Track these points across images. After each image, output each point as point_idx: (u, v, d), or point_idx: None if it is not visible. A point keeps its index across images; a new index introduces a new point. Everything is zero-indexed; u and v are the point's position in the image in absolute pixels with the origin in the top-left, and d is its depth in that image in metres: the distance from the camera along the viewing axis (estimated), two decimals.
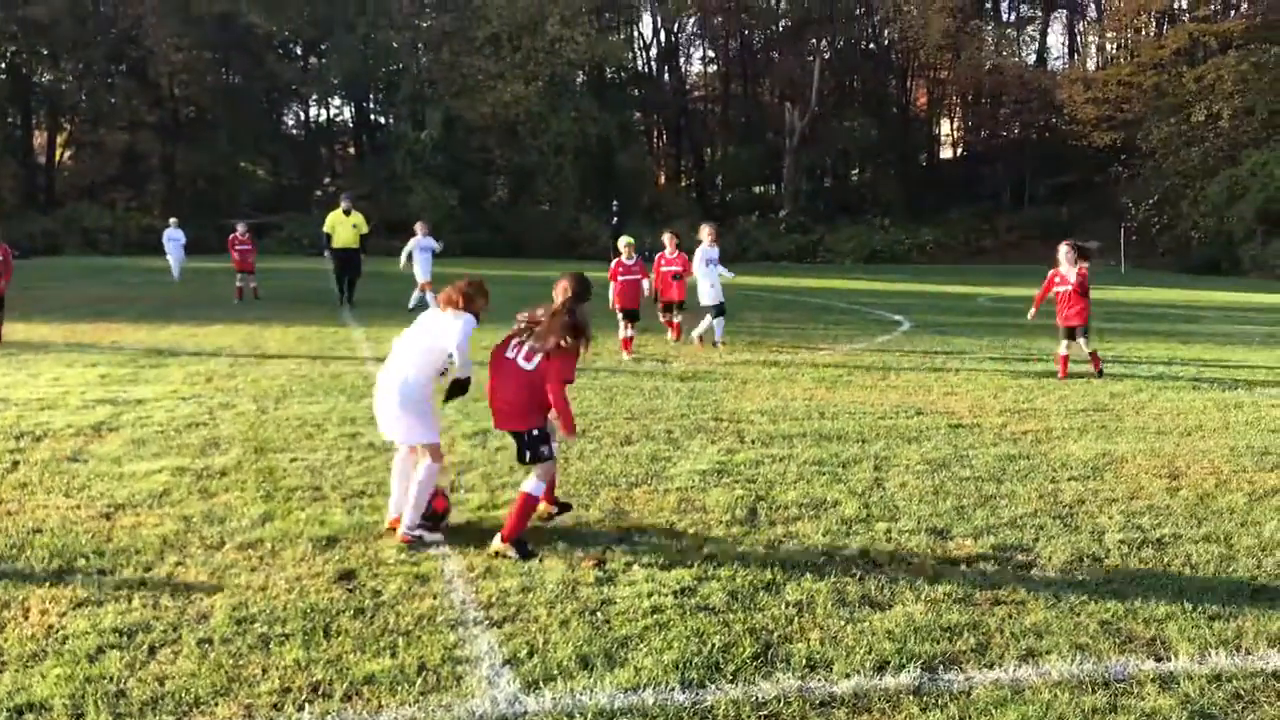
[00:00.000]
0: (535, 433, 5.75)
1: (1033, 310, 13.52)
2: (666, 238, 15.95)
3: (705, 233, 15.51)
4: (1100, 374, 12.59)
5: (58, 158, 58.48)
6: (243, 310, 19.43)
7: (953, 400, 10.81)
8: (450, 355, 6.10)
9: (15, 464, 7.35)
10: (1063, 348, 12.73)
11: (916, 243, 53.35)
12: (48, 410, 9.36)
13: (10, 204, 48.85)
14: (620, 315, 13.97)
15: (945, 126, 71.16)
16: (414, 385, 5.97)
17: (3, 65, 54.35)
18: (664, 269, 15.37)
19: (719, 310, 14.92)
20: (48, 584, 5.06)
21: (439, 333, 6.10)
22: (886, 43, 64.06)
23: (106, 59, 54.61)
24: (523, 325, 5.96)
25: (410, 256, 19.62)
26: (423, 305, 18.55)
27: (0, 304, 14.14)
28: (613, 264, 14.49)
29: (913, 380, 12.15)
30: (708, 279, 15.01)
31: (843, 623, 4.76)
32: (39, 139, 58.22)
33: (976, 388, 11.66)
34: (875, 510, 6.58)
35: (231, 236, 23.07)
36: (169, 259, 28.38)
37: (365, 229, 20.63)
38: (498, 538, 5.64)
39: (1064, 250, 13.00)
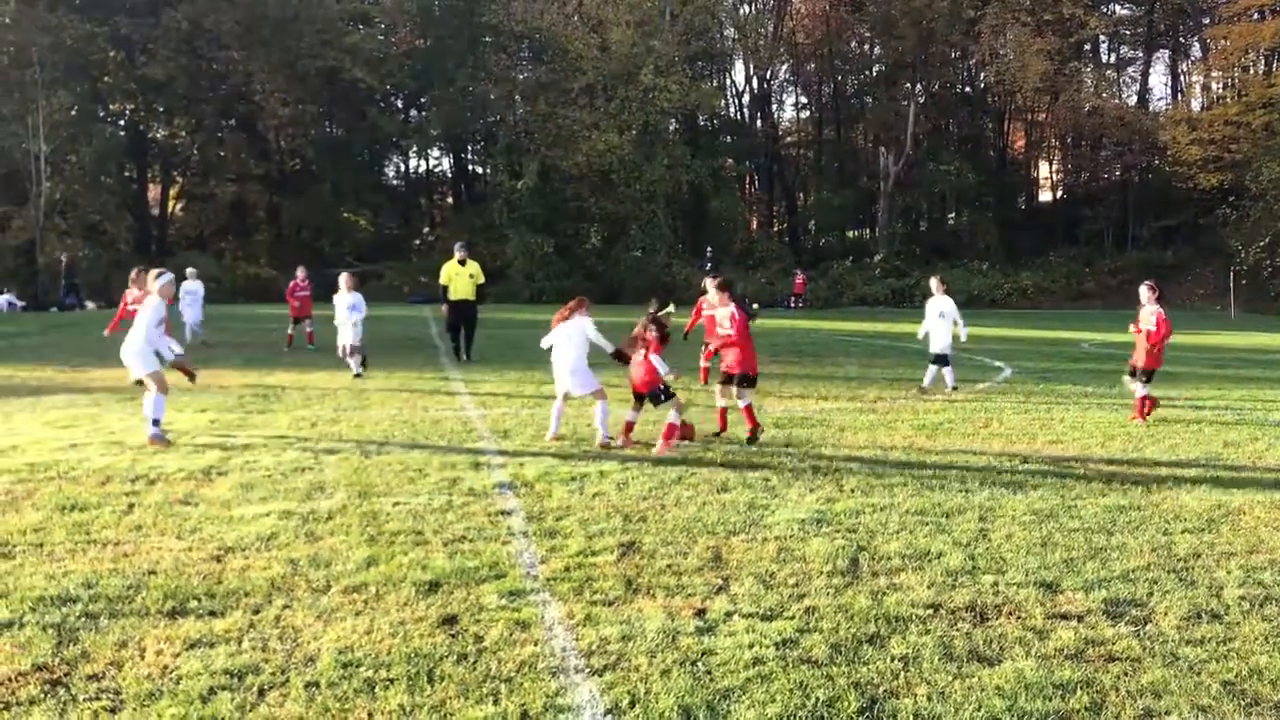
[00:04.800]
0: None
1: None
2: (708, 282, 15.01)
3: (934, 284, 15.69)
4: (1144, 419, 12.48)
5: (170, 209, 60.81)
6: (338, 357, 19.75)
7: (1058, 448, 10.55)
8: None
9: (130, 506, 7.59)
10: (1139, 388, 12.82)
11: (1016, 286, 52.39)
12: (160, 454, 9.66)
13: (125, 254, 50.89)
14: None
15: (1044, 169, 69.99)
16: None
17: (122, 123, 56.84)
18: (707, 312, 14.41)
19: (944, 360, 15.23)
20: (163, 624, 5.20)
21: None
22: (982, 86, 63.35)
23: (217, 114, 56.79)
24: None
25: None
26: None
27: None
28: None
29: (1016, 427, 11.89)
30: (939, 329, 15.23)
31: (950, 678, 4.65)
32: (153, 192, 60.63)
33: (1083, 435, 11.36)
34: (981, 562, 6.43)
35: (293, 284, 22.62)
36: (184, 316, 22.78)
37: (482, 279, 19.66)
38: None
39: (1143, 291, 13.19)
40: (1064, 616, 5.47)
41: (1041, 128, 65.55)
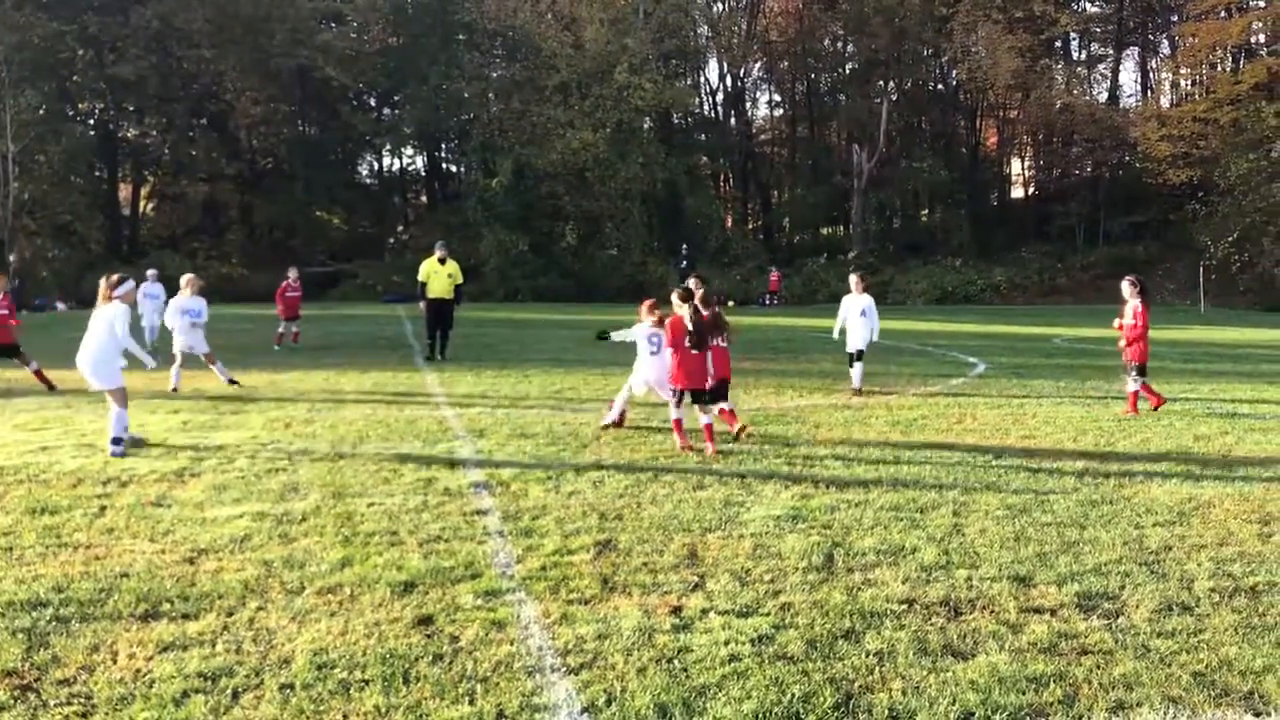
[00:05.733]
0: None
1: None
2: (692, 282, 15.38)
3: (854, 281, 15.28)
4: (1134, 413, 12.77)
5: (141, 209, 60.31)
6: (319, 357, 19.76)
7: (1031, 443, 10.62)
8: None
9: (102, 509, 7.53)
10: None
11: (989, 283, 52.75)
12: (132, 456, 9.58)
13: (96, 254, 50.45)
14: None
15: (1016, 166, 70.51)
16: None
17: (92, 122, 56.31)
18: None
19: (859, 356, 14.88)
20: (135, 628, 5.16)
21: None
22: (955, 83, 63.77)
23: (189, 113, 56.33)
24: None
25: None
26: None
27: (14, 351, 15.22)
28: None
29: (990, 423, 11.97)
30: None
31: (925, 672, 4.68)
32: (124, 191, 60.13)
33: (1055, 430, 11.45)
34: (955, 557, 6.47)
35: (284, 284, 22.73)
36: (143, 322, 21.15)
37: (460, 279, 19.67)
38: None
39: (1125, 286, 13.41)
40: (1037, 610, 5.51)
41: (1013, 125, 66.03)
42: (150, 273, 22.68)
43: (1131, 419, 12.32)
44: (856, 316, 14.81)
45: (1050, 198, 63.11)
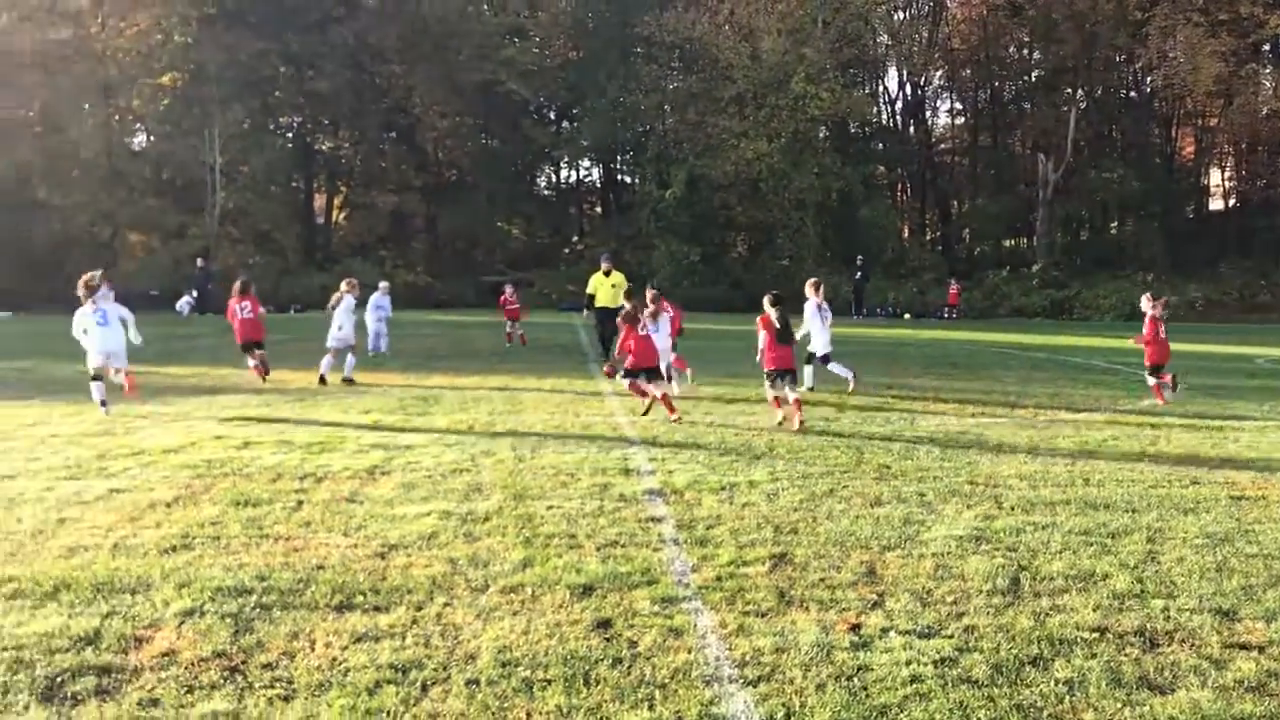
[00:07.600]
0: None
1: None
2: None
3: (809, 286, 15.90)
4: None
5: (334, 218, 63.22)
6: (498, 362, 20.32)
7: (1232, 469, 10.03)
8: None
9: (300, 503, 7.93)
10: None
11: (1183, 299, 50.02)
12: (326, 453, 10.06)
13: (294, 262, 53.13)
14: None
15: (1215, 176, 66.69)
16: None
17: (290, 135, 59.39)
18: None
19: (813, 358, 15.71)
20: (331, 618, 5.41)
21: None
22: (1149, 90, 60.79)
23: (379, 127, 58.74)
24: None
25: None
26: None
27: None
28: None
29: (1186, 446, 11.36)
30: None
31: (1119, 705, 4.47)
32: (319, 201, 63.14)
33: (1259, 456, 10.78)
34: (1150, 585, 6.16)
35: (502, 297, 25.70)
36: (369, 329, 22.80)
37: (625, 287, 20.17)
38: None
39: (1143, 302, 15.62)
40: (1243, 646, 5.20)
41: (1213, 133, 62.46)
42: (383, 285, 24.89)
43: None
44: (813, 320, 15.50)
45: (1254, 210, 59.46)
